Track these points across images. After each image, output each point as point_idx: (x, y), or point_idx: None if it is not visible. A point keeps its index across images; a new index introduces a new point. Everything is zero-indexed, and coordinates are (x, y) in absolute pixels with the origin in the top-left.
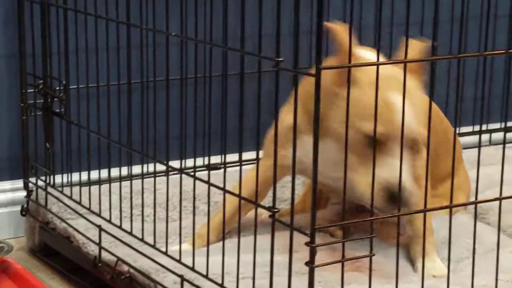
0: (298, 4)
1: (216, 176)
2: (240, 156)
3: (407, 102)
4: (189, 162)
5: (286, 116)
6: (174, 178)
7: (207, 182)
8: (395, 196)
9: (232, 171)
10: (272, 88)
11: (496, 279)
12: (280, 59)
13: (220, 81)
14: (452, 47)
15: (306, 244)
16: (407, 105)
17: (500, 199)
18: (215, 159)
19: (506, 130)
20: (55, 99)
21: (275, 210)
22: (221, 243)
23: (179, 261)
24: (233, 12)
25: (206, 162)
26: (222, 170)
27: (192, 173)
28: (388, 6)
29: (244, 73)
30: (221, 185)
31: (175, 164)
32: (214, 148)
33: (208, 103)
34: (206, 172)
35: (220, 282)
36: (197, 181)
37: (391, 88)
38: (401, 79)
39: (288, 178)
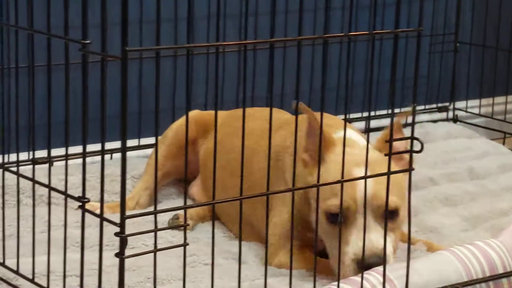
0: None
1: (42, 171)
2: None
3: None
4: (13, 157)
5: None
6: None
7: (32, 179)
8: (366, 263)
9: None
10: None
11: None
12: (87, 41)
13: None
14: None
15: (116, 234)
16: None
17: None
18: (40, 154)
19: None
20: None
21: (85, 200)
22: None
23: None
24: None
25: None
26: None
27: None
28: None
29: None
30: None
31: None
32: (38, 142)
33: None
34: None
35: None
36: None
37: (354, 164)
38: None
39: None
